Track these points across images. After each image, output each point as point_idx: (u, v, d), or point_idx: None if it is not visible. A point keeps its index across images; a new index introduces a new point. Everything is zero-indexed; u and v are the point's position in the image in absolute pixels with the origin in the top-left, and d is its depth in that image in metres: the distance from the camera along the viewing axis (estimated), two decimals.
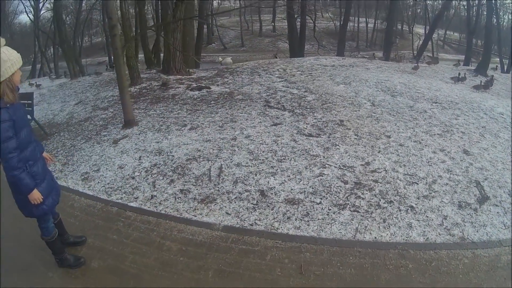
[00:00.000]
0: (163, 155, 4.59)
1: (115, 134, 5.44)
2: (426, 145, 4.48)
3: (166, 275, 2.77)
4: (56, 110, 6.95)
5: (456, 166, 4.04)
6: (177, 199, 3.76)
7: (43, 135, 5.72)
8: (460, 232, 3.11)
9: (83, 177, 4.37)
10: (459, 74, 8.53)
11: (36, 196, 2.24)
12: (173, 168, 4.28)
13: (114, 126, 5.73)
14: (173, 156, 4.54)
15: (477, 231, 3.11)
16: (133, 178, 4.19)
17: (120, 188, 4.03)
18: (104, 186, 4.14)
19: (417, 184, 3.73)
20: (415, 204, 3.42)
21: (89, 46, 26.66)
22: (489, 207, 3.40)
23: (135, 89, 7.34)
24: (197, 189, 3.86)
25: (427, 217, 3.31)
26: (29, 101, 5.58)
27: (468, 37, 12.58)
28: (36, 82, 10.05)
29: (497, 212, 3.33)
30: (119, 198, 3.89)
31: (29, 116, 5.45)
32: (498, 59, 16.41)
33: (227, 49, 26.51)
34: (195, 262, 2.90)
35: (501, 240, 3.03)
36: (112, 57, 11.23)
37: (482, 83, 7.81)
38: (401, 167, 4.08)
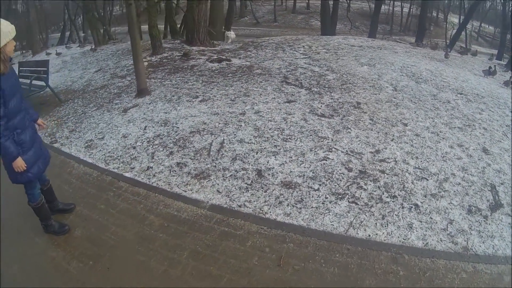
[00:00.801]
0: (168, 126, 4.44)
1: (126, 102, 5.38)
2: (443, 138, 4.00)
3: (142, 251, 2.67)
4: (76, 77, 7.07)
5: (472, 165, 3.55)
6: (171, 172, 3.60)
7: (58, 101, 5.83)
8: (465, 241, 2.70)
9: (86, 144, 4.35)
10: (490, 67, 7.53)
11: (19, 164, 2.30)
12: (175, 140, 4.11)
13: (127, 94, 5.68)
14: (177, 127, 4.37)
15: (483, 242, 2.70)
16: (134, 148, 4.10)
17: (119, 158, 3.96)
18: (104, 154, 4.09)
19: (427, 180, 3.29)
20: (421, 202, 3.03)
21: (121, 14, 26.94)
22: (501, 216, 2.94)
23: (156, 59, 7.23)
24: (193, 164, 3.66)
25: (431, 218, 2.88)
26: (44, 68, 5.65)
27: (502, 32, 11.41)
28: (56, 50, 10.26)
29: (509, 223, 2.87)
30: (116, 167, 3.81)
31: (43, 83, 5.56)
32: None
33: (259, 24, 25.80)
34: (173, 240, 2.76)
35: (508, 256, 2.61)
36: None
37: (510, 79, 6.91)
38: (413, 159, 3.59)
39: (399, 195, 3.13)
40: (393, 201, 3.05)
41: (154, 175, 3.61)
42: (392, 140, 3.93)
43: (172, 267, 2.52)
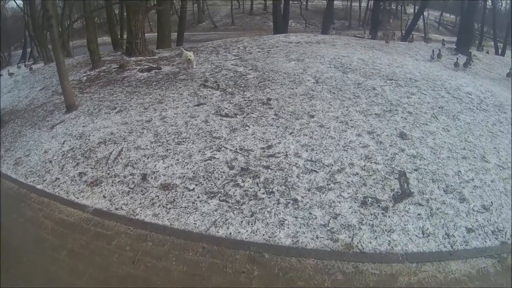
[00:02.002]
0: (82, 139, 4.62)
1: (56, 119, 5.55)
2: (353, 126, 3.95)
3: (32, 250, 2.92)
4: (22, 97, 7.23)
5: (379, 152, 3.47)
6: (72, 182, 3.80)
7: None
8: (349, 237, 2.60)
9: (15, 162, 4.53)
10: (434, 51, 7.63)
11: None
12: (83, 151, 4.30)
13: (59, 111, 5.85)
14: (89, 139, 4.55)
15: (375, 238, 2.57)
16: (50, 162, 4.29)
17: (37, 172, 4.16)
18: (26, 170, 4.27)
19: (317, 172, 3.25)
20: (302, 197, 2.98)
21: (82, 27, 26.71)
22: (408, 206, 2.84)
23: (95, 73, 7.36)
24: (92, 172, 3.84)
25: (310, 214, 2.82)
26: None
27: (461, 19, 11.72)
28: (8, 70, 10.25)
29: (418, 214, 2.76)
30: (32, 180, 4.01)
31: None
32: (493, 43, 15.96)
33: (217, 28, 25.80)
34: (58, 241, 2.98)
35: (409, 253, 2.50)
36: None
37: (458, 61, 7.02)
38: (307, 151, 3.59)
39: (277, 190, 3.13)
40: (269, 197, 3.07)
41: (58, 185, 3.82)
42: (290, 134, 3.97)
43: (52, 264, 2.73)
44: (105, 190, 3.54)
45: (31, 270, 2.69)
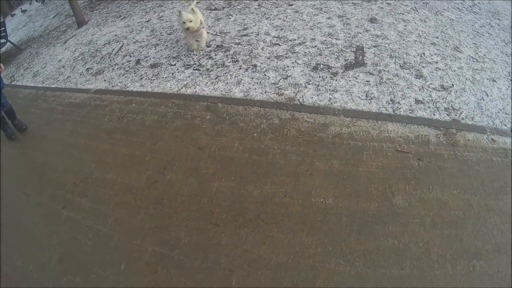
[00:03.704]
0: (90, 44, 5.15)
1: (68, 35, 6.11)
2: (326, 12, 4.14)
3: (45, 128, 3.62)
4: (37, 26, 7.82)
5: (343, 31, 3.65)
6: (80, 76, 4.40)
7: (19, 50, 6.71)
8: (293, 93, 2.90)
9: (33, 74, 5.21)
10: None
11: None
12: (91, 53, 4.84)
13: (71, 29, 6.40)
14: (96, 43, 5.07)
15: (317, 95, 2.84)
16: (63, 67, 4.90)
17: (52, 77, 4.80)
18: (43, 77, 4.92)
19: (279, 45, 3.59)
20: (261, 63, 3.37)
21: None
22: (358, 74, 3.03)
23: None
24: (97, 66, 4.41)
25: (265, 75, 3.20)
26: (2, 28, 6.44)
27: None
28: (21, 8, 10.53)
29: (367, 81, 2.94)
30: (48, 83, 4.67)
31: (4, 40, 6.45)
32: None
33: None
34: (65, 117, 3.64)
35: (347, 109, 2.72)
36: None
37: None
38: (276, 30, 3.92)
39: (242, 59, 3.55)
40: (233, 65, 3.50)
41: (70, 81, 4.43)
42: (266, 19, 4.27)
43: (60, 133, 3.43)
44: (106, 76, 4.10)
45: (43, 141, 3.41)
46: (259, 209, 2.16)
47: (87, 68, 4.44)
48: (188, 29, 3.42)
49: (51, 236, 2.43)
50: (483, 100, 2.77)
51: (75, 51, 5.22)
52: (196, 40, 3.81)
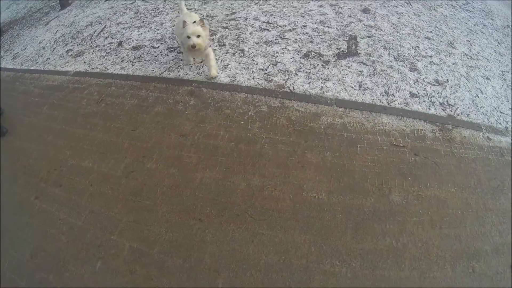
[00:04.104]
0: (72, 26, 4.72)
1: (51, 17, 5.63)
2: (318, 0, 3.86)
3: (21, 112, 3.24)
4: (20, 8, 7.27)
5: (335, 20, 3.41)
6: (60, 57, 3.99)
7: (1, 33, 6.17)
8: (283, 80, 2.69)
9: (13, 56, 4.74)
10: None
11: None
12: (73, 34, 4.42)
13: (54, 10, 5.90)
14: (78, 25, 4.65)
15: (309, 83, 2.63)
16: (43, 48, 4.46)
17: (31, 58, 4.36)
18: (23, 59, 4.47)
19: (269, 31, 3.32)
20: (249, 48, 3.11)
21: None
22: (351, 63, 2.82)
23: None
24: (78, 48, 4.00)
25: (253, 60, 2.93)
26: None
27: None
28: None
29: (360, 71, 2.74)
30: (27, 65, 4.24)
31: None
32: None
33: None
34: (42, 100, 3.27)
35: (340, 99, 2.54)
36: None
37: None
38: (266, 16, 3.64)
39: (229, 44, 3.27)
40: (220, 49, 3.22)
41: (49, 63, 4.02)
42: (255, 4, 3.98)
43: (36, 117, 3.07)
44: (86, 58, 3.73)
45: (19, 125, 3.06)
46: (246, 203, 1.91)
47: (67, 50, 4.05)
48: (194, 47, 2.41)
49: (23, 229, 2.13)
50: (478, 97, 2.62)
51: (56, 32, 4.79)
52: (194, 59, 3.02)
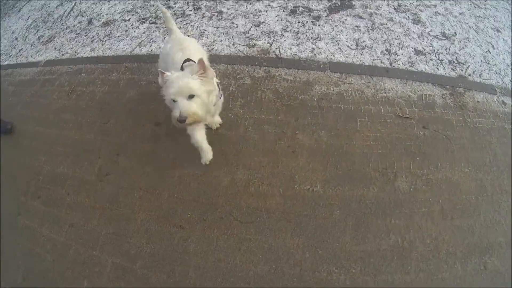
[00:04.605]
0: (43, 9, 4.24)
1: (23, 2, 5.08)
2: None
3: None
4: None
5: None
6: (32, 46, 3.60)
7: None
8: (267, 43, 2.32)
9: None
10: None
11: None
12: (43, 18, 3.96)
13: None
14: (49, 7, 4.15)
15: (297, 45, 2.25)
16: (16, 39, 4.05)
17: (5, 52, 3.94)
18: None
19: None
20: (228, 9, 2.73)
21: None
22: (345, 17, 2.42)
23: None
24: (48, 32, 3.57)
25: (232, 23, 2.57)
26: None
27: None
28: None
29: (356, 26, 2.32)
30: (1, 60, 3.83)
31: None
32: None
33: None
34: (16, 98, 2.89)
35: (335, 62, 2.16)
36: None
37: None
38: None
39: (205, 6, 2.81)
40: (195, 13, 2.76)
41: (21, 54, 3.63)
42: None
43: (13, 120, 2.67)
44: (57, 42, 3.33)
45: None
46: (231, 204, 1.62)
47: (39, 37, 3.62)
48: (183, 122, 1.26)
49: (13, 249, 1.92)
50: (489, 53, 2.20)
51: (28, 18, 4.30)
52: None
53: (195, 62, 1.29)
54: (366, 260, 1.40)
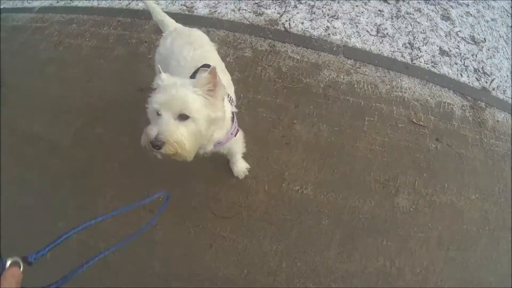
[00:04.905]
0: None
1: None
2: None
3: None
4: None
5: None
6: None
7: None
8: (277, 13, 2.07)
9: None
10: None
11: None
12: None
13: None
14: None
15: (311, 21, 2.01)
16: None
17: None
18: None
19: None
20: None
21: None
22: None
23: None
24: None
25: None
26: None
27: None
28: None
29: (380, 10, 2.07)
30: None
31: None
32: None
33: None
34: (6, 46, 2.55)
35: (350, 47, 1.92)
36: None
37: None
38: None
39: None
40: None
41: None
42: None
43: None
44: None
45: None
46: (208, 193, 1.43)
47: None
48: (158, 148, 0.83)
49: None
50: None
51: None
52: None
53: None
54: (348, 280, 1.21)
